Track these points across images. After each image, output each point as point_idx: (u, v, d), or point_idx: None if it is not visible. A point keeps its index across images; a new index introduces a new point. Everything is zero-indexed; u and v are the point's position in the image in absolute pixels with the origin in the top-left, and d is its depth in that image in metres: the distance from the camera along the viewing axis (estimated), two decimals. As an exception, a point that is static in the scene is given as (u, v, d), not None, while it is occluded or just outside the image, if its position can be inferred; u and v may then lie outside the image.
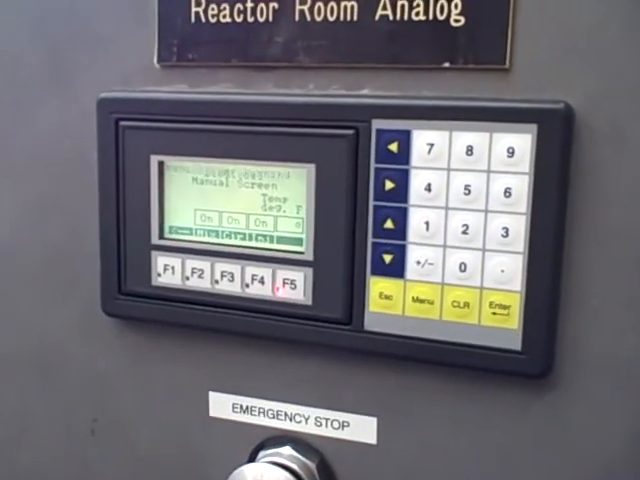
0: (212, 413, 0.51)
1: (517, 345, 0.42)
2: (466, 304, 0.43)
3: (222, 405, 0.51)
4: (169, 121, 0.47)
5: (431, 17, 0.42)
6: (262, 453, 0.49)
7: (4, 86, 0.53)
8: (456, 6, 0.41)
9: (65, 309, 0.54)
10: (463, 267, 0.42)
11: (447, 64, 0.42)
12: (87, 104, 0.50)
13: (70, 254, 0.53)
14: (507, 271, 0.42)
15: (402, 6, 0.42)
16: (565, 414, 0.43)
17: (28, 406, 0.57)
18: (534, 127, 0.40)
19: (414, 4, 0.42)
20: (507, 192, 0.41)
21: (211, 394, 0.51)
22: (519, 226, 0.41)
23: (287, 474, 0.46)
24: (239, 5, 0.45)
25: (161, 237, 0.49)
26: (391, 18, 0.42)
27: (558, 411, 0.43)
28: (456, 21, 0.41)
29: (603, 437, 0.43)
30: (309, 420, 0.49)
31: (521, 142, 0.40)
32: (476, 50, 0.41)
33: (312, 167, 0.44)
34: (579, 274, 0.41)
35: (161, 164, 0.48)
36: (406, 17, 0.42)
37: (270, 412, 0.50)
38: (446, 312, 0.43)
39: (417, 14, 0.42)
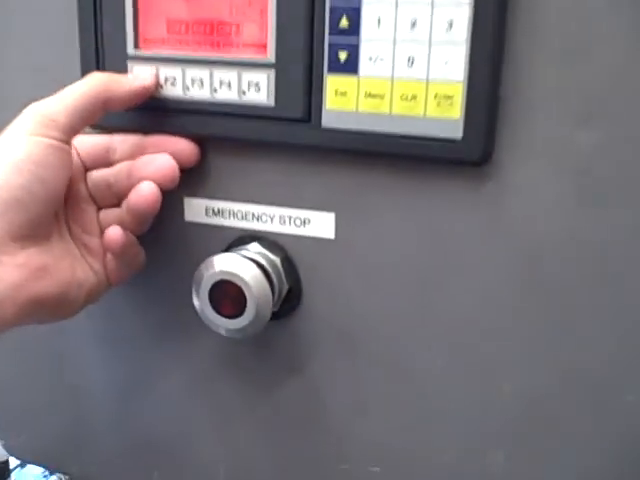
0: (187, 218, 0.56)
1: (459, 134, 0.46)
2: (413, 97, 0.46)
3: (196, 210, 0.55)
4: None
5: None
6: (231, 250, 0.54)
7: None
8: None
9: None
10: (411, 60, 0.46)
11: None
12: None
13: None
14: (450, 62, 0.45)
15: None
16: (504, 202, 0.47)
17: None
18: None
19: None
20: (451, -15, 0.44)
21: (186, 199, 0.55)
22: (463, 18, 0.44)
23: (251, 264, 0.50)
24: None
25: (136, 47, 0.52)
26: None
27: (498, 198, 0.47)
28: None
29: (539, 225, 0.47)
30: (274, 219, 0.53)
31: None
32: None
33: (273, -30, 0.47)
34: (517, 65, 0.45)
35: (134, -25, 0.51)
36: None
37: (239, 213, 0.54)
38: (395, 105, 0.47)
39: None
